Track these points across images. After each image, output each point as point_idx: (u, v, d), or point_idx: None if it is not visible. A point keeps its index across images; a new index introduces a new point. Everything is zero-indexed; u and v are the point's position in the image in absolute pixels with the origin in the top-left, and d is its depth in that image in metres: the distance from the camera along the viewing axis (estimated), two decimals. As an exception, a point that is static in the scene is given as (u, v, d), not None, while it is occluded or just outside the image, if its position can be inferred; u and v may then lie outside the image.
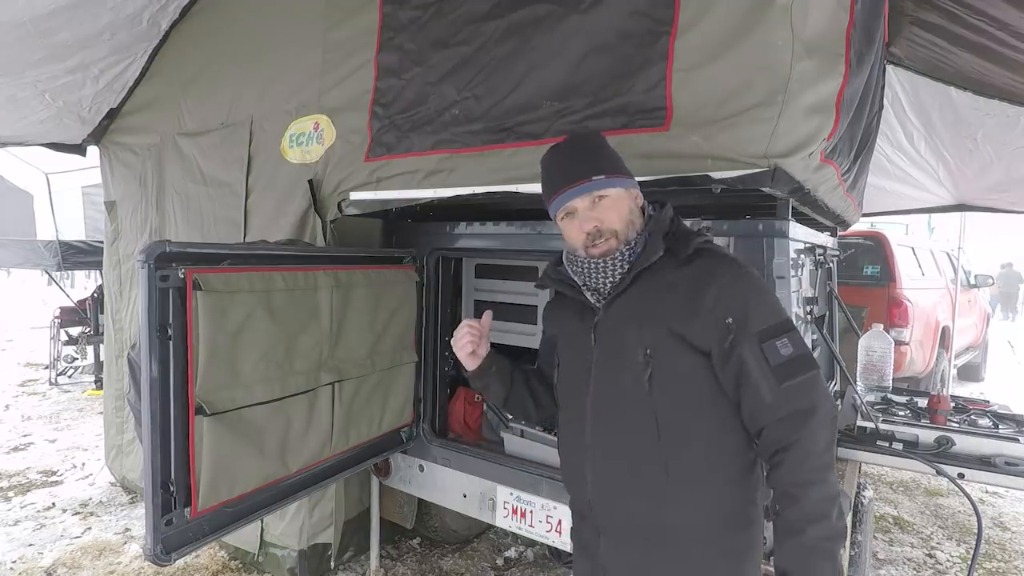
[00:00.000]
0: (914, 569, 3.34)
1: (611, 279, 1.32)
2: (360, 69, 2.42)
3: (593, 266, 1.32)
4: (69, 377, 7.09)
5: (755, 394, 1.20)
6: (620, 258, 1.30)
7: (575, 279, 1.38)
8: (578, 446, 1.38)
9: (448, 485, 2.58)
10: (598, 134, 1.47)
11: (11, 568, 3.02)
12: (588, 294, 1.37)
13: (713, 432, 1.27)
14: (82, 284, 16.14)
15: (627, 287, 1.30)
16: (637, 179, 1.40)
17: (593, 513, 1.37)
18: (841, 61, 1.61)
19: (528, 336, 2.77)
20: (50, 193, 6.52)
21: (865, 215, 4.78)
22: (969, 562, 3.02)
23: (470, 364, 1.51)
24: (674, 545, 1.29)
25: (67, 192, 6.65)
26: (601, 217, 1.29)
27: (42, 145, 3.79)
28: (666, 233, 1.31)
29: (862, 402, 2.66)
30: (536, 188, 1.95)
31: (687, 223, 1.44)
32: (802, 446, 1.17)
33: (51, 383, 6.87)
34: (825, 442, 1.19)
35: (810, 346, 2.30)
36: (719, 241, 1.83)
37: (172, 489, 1.63)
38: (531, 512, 2.32)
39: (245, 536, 2.87)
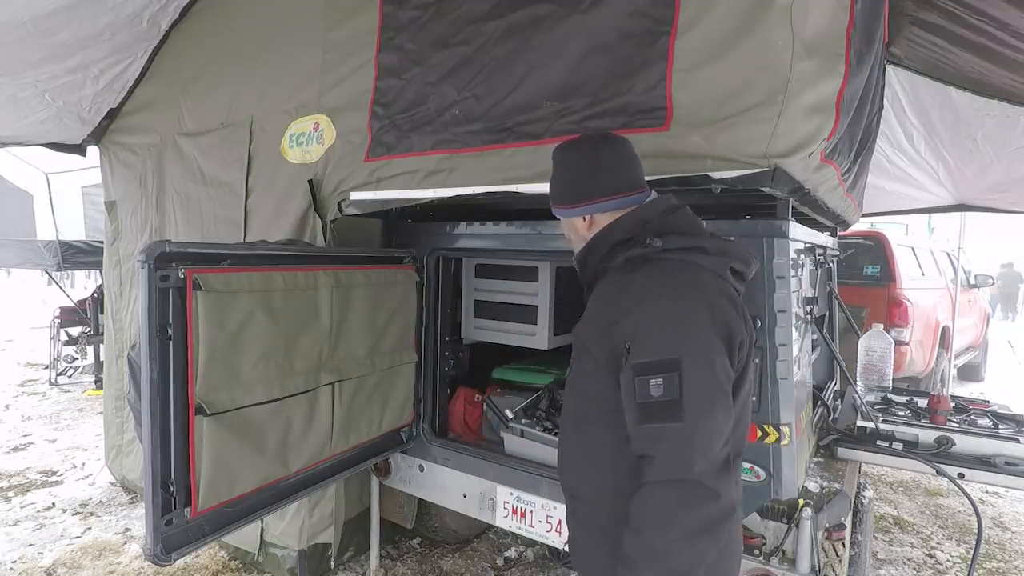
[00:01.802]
0: (914, 569, 3.34)
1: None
2: (360, 69, 2.42)
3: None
4: (69, 377, 7.08)
5: (627, 420, 1.22)
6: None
7: None
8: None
9: (448, 485, 2.58)
10: (565, 150, 1.45)
11: (11, 568, 3.02)
12: None
13: (604, 429, 1.30)
14: (82, 284, 16.14)
15: (589, 293, 1.43)
16: None
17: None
18: (841, 61, 1.61)
19: (528, 336, 2.77)
20: (50, 193, 6.52)
21: (865, 215, 4.78)
22: (969, 562, 3.02)
23: None
24: (573, 514, 1.42)
25: (67, 192, 6.65)
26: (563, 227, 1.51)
27: (42, 145, 3.79)
28: (624, 240, 1.32)
29: (862, 402, 2.67)
30: (535, 188, 1.97)
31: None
32: (642, 492, 1.16)
33: (51, 383, 6.87)
34: (661, 505, 1.13)
35: (800, 349, 2.28)
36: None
37: (172, 489, 1.63)
38: (531, 512, 2.32)
39: (245, 536, 2.87)
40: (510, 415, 2.55)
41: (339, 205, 2.50)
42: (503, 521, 2.40)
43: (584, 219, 1.40)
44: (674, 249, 1.27)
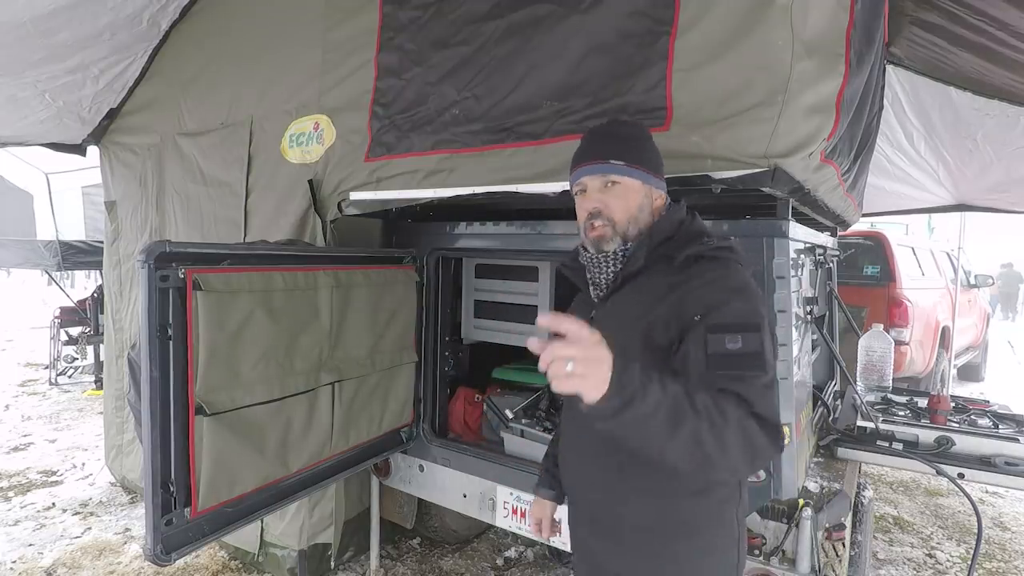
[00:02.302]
0: (914, 569, 3.34)
1: (607, 276, 1.33)
2: (360, 69, 2.42)
3: (592, 261, 1.34)
4: (69, 377, 7.08)
5: (689, 374, 1.11)
6: (615, 256, 1.31)
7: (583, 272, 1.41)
8: (562, 437, 1.49)
9: (448, 485, 2.58)
10: (644, 128, 1.43)
11: (11, 568, 3.02)
12: (591, 288, 1.39)
13: None
14: (82, 284, 16.14)
15: (619, 288, 1.31)
16: None
17: (570, 502, 1.47)
18: (841, 61, 1.61)
19: (528, 336, 2.77)
20: (50, 193, 6.52)
21: (865, 215, 4.78)
22: (969, 562, 3.02)
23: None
24: (621, 538, 1.30)
25: (67, 192, 6.65)
26: (606, 202, 1.28)
27: (42, 145, 3.79)
28: (668, 237, 1.28)
29: (862, 402, 2.66)
30: (536, 188, 1.97)
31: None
32: (732, 409, 1.01)
33: (51, 383, 6.87)
34: (745, 426, 1.02)
35: (800, 349, 2.28)
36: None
37: (172, 489, 1.63)
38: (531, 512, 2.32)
39: (245, 536, 2.87)
40: (510, 415, 2.55)
41: (339, 205, 2.50)
42: (503, 521, 2.40)
43: (663, 196, 1.35)
44: (724, 247, 1.26)
